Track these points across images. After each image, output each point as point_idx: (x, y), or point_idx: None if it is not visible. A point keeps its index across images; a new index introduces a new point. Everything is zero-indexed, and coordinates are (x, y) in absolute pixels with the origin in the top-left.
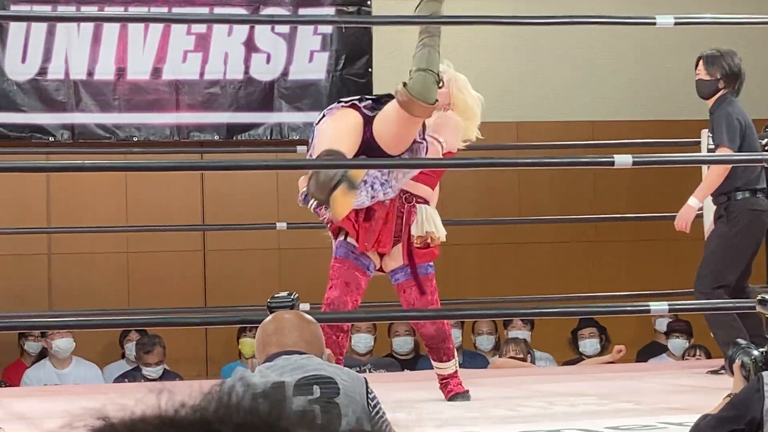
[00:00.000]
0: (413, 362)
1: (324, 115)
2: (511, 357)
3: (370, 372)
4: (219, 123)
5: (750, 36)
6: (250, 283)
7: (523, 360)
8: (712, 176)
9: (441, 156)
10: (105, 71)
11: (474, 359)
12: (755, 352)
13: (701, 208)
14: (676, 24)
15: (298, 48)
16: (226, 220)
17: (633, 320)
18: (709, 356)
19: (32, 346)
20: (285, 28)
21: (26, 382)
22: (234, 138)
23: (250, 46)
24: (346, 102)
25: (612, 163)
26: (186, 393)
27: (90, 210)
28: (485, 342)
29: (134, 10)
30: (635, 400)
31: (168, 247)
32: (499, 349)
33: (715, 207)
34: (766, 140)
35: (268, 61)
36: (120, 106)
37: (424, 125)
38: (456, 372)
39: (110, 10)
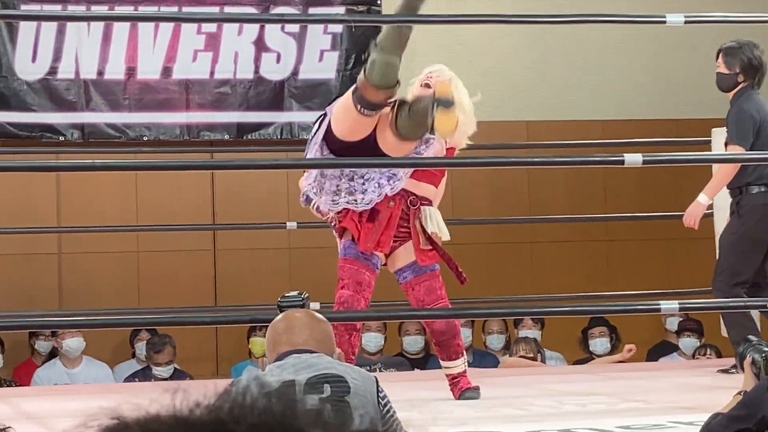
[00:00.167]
0: (423, 361)
1: (325, 114)
2: (521, 356)
3: (380, 371)
4: (229, 122)
5: (760, 35)
6: (260, 283)
7: (534, 359)
8: (721, 174)
9: (443, 154)
10: (115, 71)
11: (484, 358)
12: (766, 349)
13: (711, 206)
14: (686, 22)
15: (308, 47)
16: (236, 220)
17: (643, 319)
18: (720, 355)
19: (43, 345)
20: (295, 28)
21: (36, 381)
22: (244, 137)
23: (260, 45)
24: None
25: (622, 162)
26: (200, 393)
27: (100, 209)
28: (495, 341)
29: (144, 10)
30: (645, 399)
31: (178, 246)
32: (510, 349)
33: (728, 203)
34: None
35: (278, 60)
36: (130, 105)
37: None
38: (465, 371)
39: (120, 10)
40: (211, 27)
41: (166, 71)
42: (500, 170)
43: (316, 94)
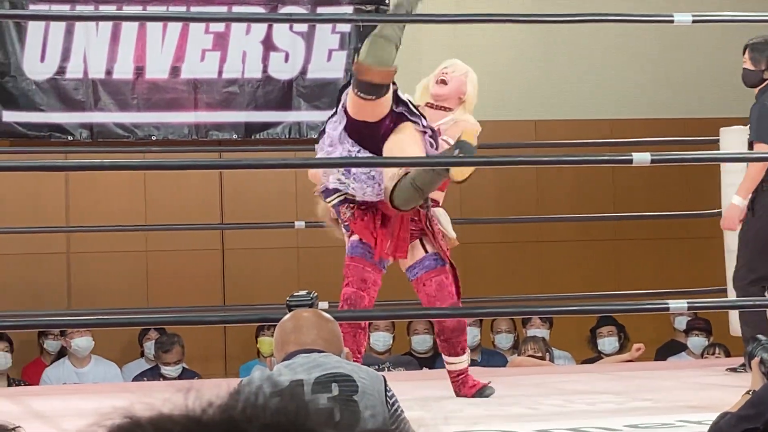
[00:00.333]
0: (432, 360)
1: (336, 112)
2: (529, 355)
3: (388, 370)
4: (237, 122)
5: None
6: (268, 282)
7: (542, 358)
8: (751, 173)
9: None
10: (123, 70)
11: (493, 357)
12: None
13: (720, 206)
14: (694, 22)
15: (317, 47)
16: (244, 219)
17: (652, 318)
18: (728, 354)
19: (51, 344)
20: (303, 27)
21: (45, 380)
22: (252, 137)
23: (268, 44)
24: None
25: (630, 161)
26: (213, 392)
27: (109, 209)
28: (504, 340)
29: (153, 9)
30: (654, 398)
31: (186, 245)
32: (518, 348)
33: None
34: None
35: (286, 59)
36: (138, 105)
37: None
38: (467, 368)
39: (129, 9)
40: (219, 27)
41: (175, 71)
42: (508, 170)
43: (325, 94)
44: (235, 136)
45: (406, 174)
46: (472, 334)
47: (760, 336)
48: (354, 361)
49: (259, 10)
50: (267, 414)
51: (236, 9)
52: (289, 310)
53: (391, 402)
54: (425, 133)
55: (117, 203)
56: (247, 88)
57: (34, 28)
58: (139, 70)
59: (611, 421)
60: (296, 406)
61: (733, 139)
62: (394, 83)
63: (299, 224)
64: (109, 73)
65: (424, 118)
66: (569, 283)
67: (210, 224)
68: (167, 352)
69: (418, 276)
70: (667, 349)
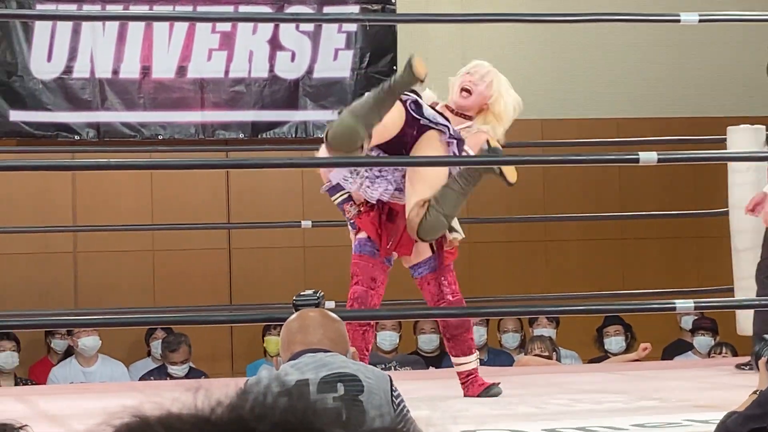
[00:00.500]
0: (438, 360)
1: None
2: (536, 355)
3: (395, 369)
4: (244, 121)
5: None
6: (275, 281)
7: (549, 358)
8: None
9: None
10: (130, 70)
11: (499, 357)
12: None
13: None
14: (700, 21)
15: (323, 46)
16: (251, 218)
17: (658, 318)
18: (735, 354)
19: (58, 344)
20: (310, 26)
21: (52, 380)
22: (259, 136)
23: (274, 44)
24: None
25: (637, 160)
26: (221, 392)
27: (115, 208)
28: (510, 340)
29: (159, 9)
30: (661, 397)
31: (193, 245)
32: (525, 347)
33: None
34: None
35: (292, 59)
36: (145, 104)
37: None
38: (477, 368)
39: (135, 9)
40: (225, 26)
41: (181, 70)
42: (516, 169)
43: (331, 93)
44: (241, 136)
45: (430, 205)
46: (479, 334)
47: (766, 336)
48: (361, 358)
49: (265, 9)
50: (276, 413)
51: (243, 9)
52: (296, 310)
53: (397, 402)
54: (449, 144)
55: (124, 202)
56: (254, 87)
57: (41, 28)
58: (146, 70)
59: (618, 421)
60: (305, 406)
61: (741, 138)
62: (413, 91)
63: (306, 223)
64: (115, 72)
65: (449, 121)
66: (576, 282)
67: (217, 224)
68: (174, 352)
69: (423, 275)
70: (674, 348)
